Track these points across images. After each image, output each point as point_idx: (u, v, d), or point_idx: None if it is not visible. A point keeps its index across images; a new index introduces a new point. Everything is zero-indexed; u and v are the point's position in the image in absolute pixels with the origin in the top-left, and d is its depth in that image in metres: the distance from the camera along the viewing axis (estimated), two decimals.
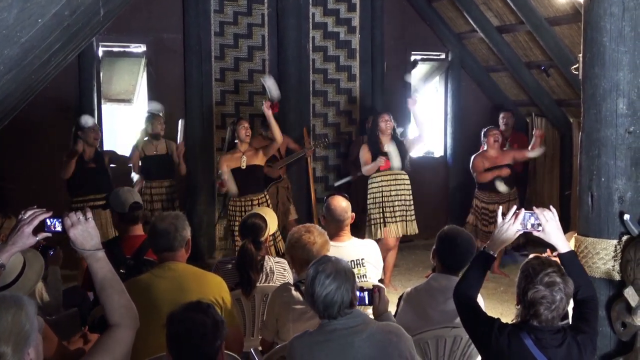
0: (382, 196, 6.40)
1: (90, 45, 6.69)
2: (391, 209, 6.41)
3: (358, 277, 3.79)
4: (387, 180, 6.40)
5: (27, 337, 1.87)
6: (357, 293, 2.80)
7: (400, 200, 6.42)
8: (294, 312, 3.15)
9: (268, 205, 6.09)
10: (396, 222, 6.41)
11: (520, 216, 2.70)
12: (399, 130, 6.75)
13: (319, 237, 3.40)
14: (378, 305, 2.85)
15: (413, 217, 6.49)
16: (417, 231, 6.52)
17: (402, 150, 6.45)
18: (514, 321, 2.75)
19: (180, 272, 3.13)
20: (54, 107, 6.96)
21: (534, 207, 2.74)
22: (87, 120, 6.20)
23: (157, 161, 6.64)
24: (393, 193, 6.40)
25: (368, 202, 6.43)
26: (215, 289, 3.14)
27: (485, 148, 6.96)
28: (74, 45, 4.54)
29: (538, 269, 2.42)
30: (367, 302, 2.86)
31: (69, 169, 5.98)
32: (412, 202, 6.49)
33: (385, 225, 6.38)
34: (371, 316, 3.79)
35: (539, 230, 2.70)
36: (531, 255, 2.66)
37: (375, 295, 2.85)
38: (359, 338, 2.47)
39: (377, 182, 6.42)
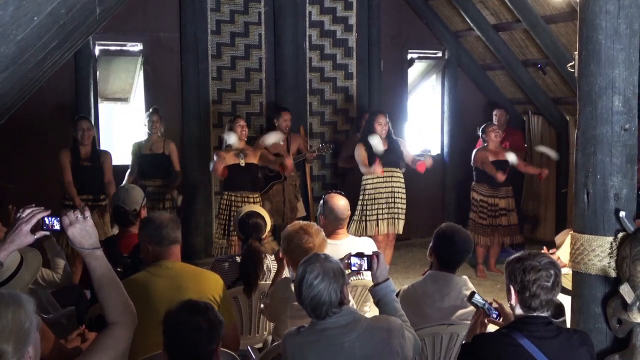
0: (376, 193, 6.40)
1: (86, 43, 6.67)
2: (387, 205, 6.41)
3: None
4: (383, 178, 6.40)
5: (27, 335, 1.87)
6: (356, 259, 2.87)
7: (395, 198, 6.42)
8: (292, 308, 3.16)
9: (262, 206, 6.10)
10: (388, 218, 6.41)
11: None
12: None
13: (317, 237, 3.39)
14: (376, 272, 2.85)
15: (403, 216, 6.47)
16: (401, 231, 6.50)
17: (398, 149, 6.45)
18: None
19: (178, 270, 3.14)
20: (51, 106, 6.95)
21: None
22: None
23: (152, 160, 6.63)
24: (389, 190, 6.41)
25: (361, 198, 6.42)
26: (212, 286, 3.15)
27: (484, 144, 6.99)
28: (70, 43, 4.54)
29: (526, 253, 2.53)
30: (366, 267, 2.88)
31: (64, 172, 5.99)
32: (404, 201, 6.49)
33: (376, 223, 6.38)
34: (366, 313, 3.81)
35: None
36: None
37: (373, 261, 2.85)
38: (349, 338, 2.47)
39: (372, 178, 6.42)
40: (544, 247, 4.81)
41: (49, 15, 2.70)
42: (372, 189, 6.41)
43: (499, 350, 2.44)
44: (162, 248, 3.17)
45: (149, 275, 3.09)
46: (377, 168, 6.19)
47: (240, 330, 3.90)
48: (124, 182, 6.43)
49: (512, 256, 2.58)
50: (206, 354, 2.26)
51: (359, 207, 6.41)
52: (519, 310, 2.53)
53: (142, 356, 2.75)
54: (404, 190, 6.48)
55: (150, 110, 6.80)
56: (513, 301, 2.53)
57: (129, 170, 6.65)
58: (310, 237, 3.35)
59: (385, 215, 6.41)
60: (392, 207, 6.42)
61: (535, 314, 2.48)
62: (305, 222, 3.49)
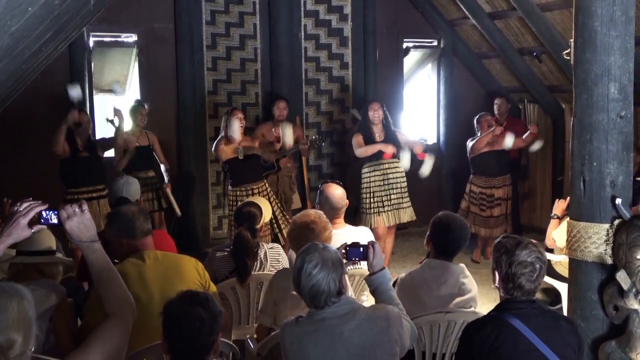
0: (376, 184, 6.40)
1: (81, 35, 6.64)
2: (387, 197, 6.40)
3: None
4: (382, 169, 6.40)
5: (32, 324, 1.88)
6: (352, 249, 2.88)
7: (396, 188, 6.41)
8: (293, 299, 3.16)
9: (268, 194, 6.11)
10: (390, 210, 6.41)
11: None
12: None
13: (322, 235, 3.39)
14: (372, 261, 2.86)
15: (409, 203, 6.48)
16: (414, 217, 6.52)
17: (395, 139, 6.44)
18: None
19: (160, 259, 3.13)
20: (45, 98, 6.91)
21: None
22: (73, 93, 6.08)
23: (141, 152, 6.63)
24: (391, 181, 6.40)
25: (362, 191, 6.43)
26: (193, 270, 3.17)
27: (479, 134, 6.99)
28: (65, 35, 4.52)
29: (514, 243, 2.53)
30: (362, 257, 2.89)
31: (59, 136, 5.91)
32: (406, 190, 6.50)
33: (378, 215, 6.39)
34: (364, 302, 3.83)
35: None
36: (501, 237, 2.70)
37: (369, 250, 2.86)
38: (348, 327, 2.47)
39: (370, 170, 6.42)
40: (563, 200, 4.78)
41: (43, 6, 2.68)
42: (370, 180, 6.41)
43: (492, 332, 2.48)
44: (137, 240, 3.17)
45: (135, 266, 3.06)
46: (387, 148, 6.27)
47: (238, 321, 3.92)
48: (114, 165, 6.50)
49: (500, 240, 2.60)
50: (207, 344, 2.26)
51: (362, 200, 6.43)
52: (502, 293, 2.59)
53: (137, 347, 2.76)
54: (404, 179, 6.47)
55: (137, 102, 6.79)
56: (497, 283, 2.58)
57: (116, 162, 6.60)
58: (313, 235, 3.34)
59: (387, 207, 6.40)
60: (394, 198, 6.41)
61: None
62: (314, 216, 3.46)
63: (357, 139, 6.43)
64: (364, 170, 6.46)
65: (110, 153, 6.66)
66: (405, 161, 6.36)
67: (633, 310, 3.02)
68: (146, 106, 6.80)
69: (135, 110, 6.67)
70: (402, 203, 6.44)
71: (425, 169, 6.43)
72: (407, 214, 6.47)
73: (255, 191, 6.04)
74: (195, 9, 7.29)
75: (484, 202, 6.99)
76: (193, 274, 3.16)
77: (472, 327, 2.57)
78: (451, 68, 8.67)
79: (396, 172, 6.43)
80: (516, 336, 2.45)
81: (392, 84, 8.39)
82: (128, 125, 6.71)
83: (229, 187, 6.24)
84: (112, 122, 6.30)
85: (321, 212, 3.59)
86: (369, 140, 6.38)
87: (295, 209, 6.80)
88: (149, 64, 7.37)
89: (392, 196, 6.40)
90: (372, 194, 6.39)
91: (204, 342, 2.25)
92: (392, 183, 6.40)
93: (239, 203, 5.92)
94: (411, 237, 8.06)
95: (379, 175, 6.39)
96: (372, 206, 6.39)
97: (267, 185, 6.25)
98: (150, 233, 3.22)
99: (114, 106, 6.42)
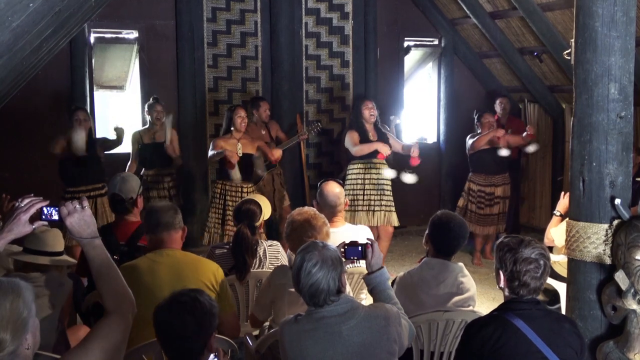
0: (358, 184, 6.37)
1: (81, 31, 6.64)
2: (367, 197, 6.36)
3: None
4: (368, 169, 6.38)
5: (25, 323, 1.87)
6: (350, 248, 2.90)
7: (381, 190, 6.37)
8: (290, 296, 3.17)
9: (254, 190, 6.13)
10: (371, 211, 6.37)
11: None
12: (393, 119, 6.78)
13: (321, 233, 3.39)
14: (371, 260, 2.87)
15: (391, 208, 6.40)
16: (394, 223, 6.45)
17: (384, 140, 6.41)
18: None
19: (178, 258, 3.15)
20: (46, 94, 6.92)
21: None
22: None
23: (155, 149, 6.63)
24: (374, 181, 6.35)
25: (346, 189, 6.39)
26: (210, 275, 3.16)
27: (479, 132, 6.99)
28: (66, 31, 4.52)
29: (516, 241, 2.53)
30: (360, 256, 2.91)
31: (57, 146, 5.99)
32: (390, 193, 6.43)
33: (358, 215, 6.35)
34: (363, 300, 3.83)
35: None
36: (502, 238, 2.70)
37: (367, 250, 2.87)
38: (347, 326, 2.48)
39: (357, 169, 6.39)
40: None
41: (44, 2, 2.68)
42: (355, 179, 6.37)
43: (494, 331, 2.47)
44: (157, 235, 3.19)
45: (150, 262, 3.10)
46: (384, 148, 6.19)
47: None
48: (126, 170, 6.47)
49: (502, 240, 2.59)
50: (197, 347, 2.29)
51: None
52: (507, 293, 2.57)
53: (144, 338, 2.77)
54: (390, 183, 6.43)
55: (152, 100, 6.78)
56: (502, 284, 2.57)
57: (130, 159, 6.64)
58: (315, 231, 3.35)
59: (367, 207, 6.34)
60: (378, 200, 6.37)
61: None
62: (312, 213, 3.47)
63: (352, 136, 6.37)
64: (351, 167, 6.43)
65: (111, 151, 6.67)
66: (388, 173, 6.33)
67: (631, 310, 3.02)
68: (162, 103, 6.79)
69: (151, 108, 6.67)
70: (386, 206, 6.38)
71: (409, 179, 6.32)
72: (392, 218, 6.40)
73: (245, 190, 6.04)
74: (196, 6, 7.29)
75: (482, 200, 6.99)
76: (208, 277, 3.16)
77: (474, 326, 2.56)
78: (452, 67, 8.67)
79: (385, 175, 6.39)
80: (518, 337, 2.44)
81: (393, 82, 8.39)
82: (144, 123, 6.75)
83: (218, 180, 6.22)
84: (117, 133, 6.37)
85: (313, 209, 3.59)
86: (365, 138, 6.35)
87: (287, 206, 6.82)
88: (149, 60, 7.37)
89: (378, 197, 6.35)
90: (354, 192, 6.35)
91: (192, 345, 2.28)
92: (380, 184, 6.36)
93: (227, 196, 5.99)
94: (410, 236, 8.07)
95: (366, 174, 6.36)
96: (354, 204, 6.35)
97: (253, 188, 6.26)
98: (170, 227, 3.22)
99: (115, 126, 6.48)
